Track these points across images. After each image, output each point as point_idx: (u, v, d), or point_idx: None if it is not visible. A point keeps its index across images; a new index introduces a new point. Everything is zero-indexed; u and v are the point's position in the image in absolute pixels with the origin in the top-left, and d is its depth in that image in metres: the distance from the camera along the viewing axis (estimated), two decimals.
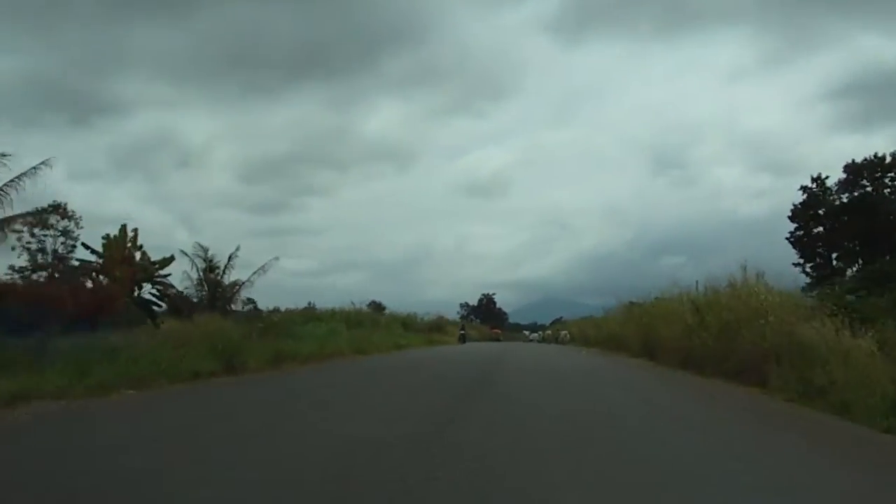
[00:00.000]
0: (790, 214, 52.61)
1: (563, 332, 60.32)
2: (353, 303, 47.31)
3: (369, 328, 42.73)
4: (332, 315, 43.96)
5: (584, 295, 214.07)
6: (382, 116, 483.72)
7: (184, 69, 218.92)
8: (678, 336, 22.26)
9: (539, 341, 67.82)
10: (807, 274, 51.27)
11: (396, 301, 77.60)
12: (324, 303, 46.43)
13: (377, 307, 58.66)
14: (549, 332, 70.81)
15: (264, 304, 36.38)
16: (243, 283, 27.35)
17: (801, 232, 52.37)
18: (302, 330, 33.00)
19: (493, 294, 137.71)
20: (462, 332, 59.32)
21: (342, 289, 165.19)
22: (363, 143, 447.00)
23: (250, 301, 31.23)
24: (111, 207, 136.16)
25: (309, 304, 46.47)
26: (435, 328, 60.35)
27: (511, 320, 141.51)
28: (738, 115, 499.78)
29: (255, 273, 27.45)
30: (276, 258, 28.50)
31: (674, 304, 24.90)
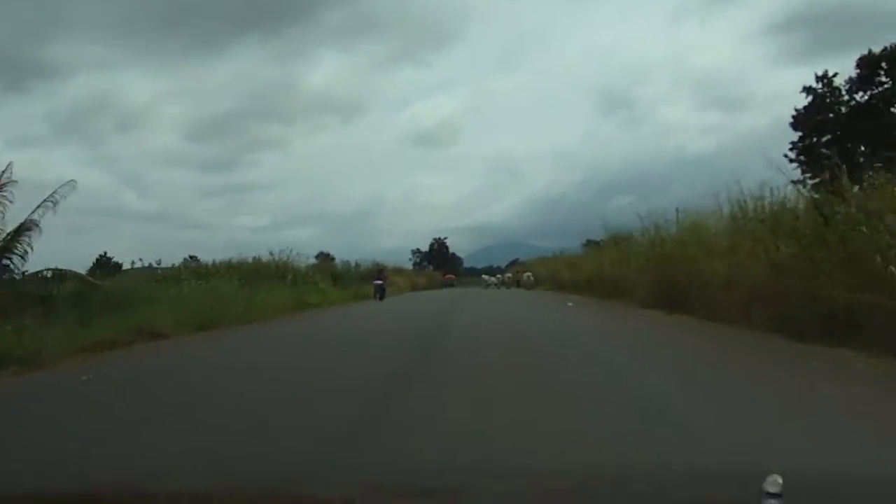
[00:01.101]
0: (792, 121, 43.54)
1: (526, 274, 50.87)
2: (271, 252, 36.49)
3: (281, 283, 32.34)
4: (228, 269, 33.53)
5: (537, 237, 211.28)
6: (326, 68, 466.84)
7: (121, 29, 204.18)
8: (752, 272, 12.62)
9: (498, 286, 58.22)
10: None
11: (351, 253, 71.12)
12: (275, 257, 36.75)
13: (326, 258, 52.80)
14: (508, 274, 61.22)
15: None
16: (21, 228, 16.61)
17: (805, 142, 43.32)
18: (163, 293, 22.90)
19: (445, 238, 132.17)
20: (378, 282, 38.42)
21: (297, 243, 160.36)
22: (309, 96, 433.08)
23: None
24: (53, 173, 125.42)
25: (189, 257, 35.94)
26: (371, 278, 50.15)
27: (466, 265, 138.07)
28: (683, 53, 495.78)
29: (37, 209, 16.72)
30: (72, 181, 17.66)
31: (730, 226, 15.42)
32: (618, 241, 27.94)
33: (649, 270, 20.47)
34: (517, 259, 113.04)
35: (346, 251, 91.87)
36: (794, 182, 16.39)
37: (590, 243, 60.86)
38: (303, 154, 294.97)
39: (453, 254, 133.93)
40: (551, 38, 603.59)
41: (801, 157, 45.52)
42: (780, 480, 1.53)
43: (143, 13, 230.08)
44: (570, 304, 25.96)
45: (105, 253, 50.04)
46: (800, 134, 44.26)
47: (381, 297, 36.21)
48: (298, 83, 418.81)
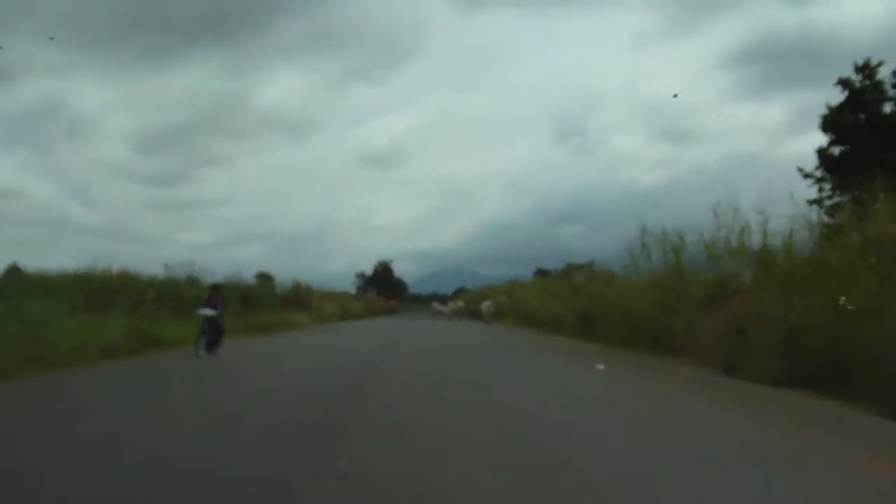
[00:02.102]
0: (822, 123, 35.54)
1: (485, 304, 41.75)
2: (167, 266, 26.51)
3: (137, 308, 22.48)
4: (73, 282, 23.67)
5: (485, 265, 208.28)
6: (279, 84, 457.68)
7: (74, 34, 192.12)
8: None
9: (450, 317, 48.82)
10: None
11: (298, 273, 69.18)
12: (218, 277, 29.89)
13: (266, 278, 46.05)
14: (461, 303, 51.87)
15: None
16: None
17: (837, 148, 35.43)
18: None
19: (390, 262, 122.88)
20: (207, 311, 17.21)
21: (241, 262, 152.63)
22: (261, 111, 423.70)
23: None
24: None
25: (11, 264, 26.13)
26: (293, 301, 40.28)
27: (412, 291, 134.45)
28: (640, 82, 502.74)
29: None
30: None
31: None
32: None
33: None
34: (463, 287, 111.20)
35: (292, 272, 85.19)
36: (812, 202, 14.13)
37: (540, 272, 57.29)
38: (252, 171, 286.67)
39: (398, 279, 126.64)
40: (508, 60, 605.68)
41: (823, 172, 38.02)
42: None
43: (97, 18, 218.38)
44: (600, 366, 14.29)
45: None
46: (828, 138, 36.72)
47: (210, 346, 16.79)
48: (250, 98, 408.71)
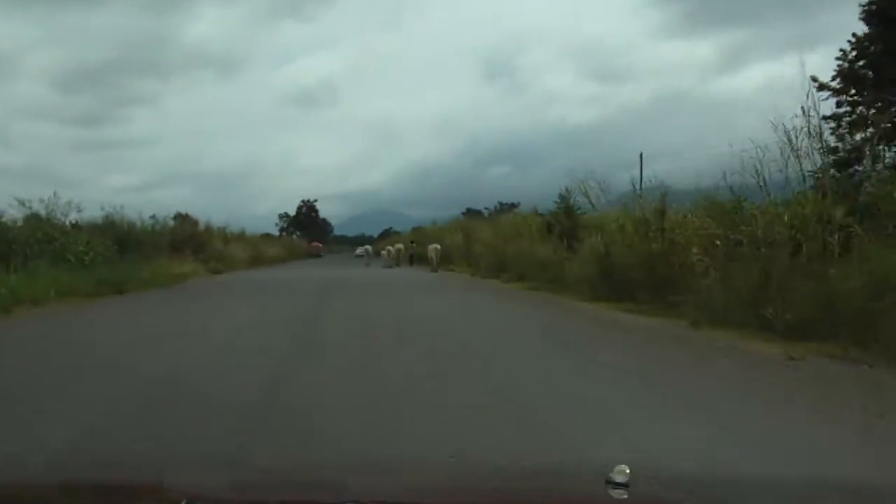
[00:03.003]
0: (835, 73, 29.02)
1: (433, 246, 33.16)
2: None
3: None
4: None
5: (411, 207, 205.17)
6: (205, 20, 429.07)
7: None
8: None
9: (389, 263, 40.27)
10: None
11: (225, 216, 63.93)
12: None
13: (186, 220, 39.44)
14: (399, 245, 43.07)
15: None
16: None
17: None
18: None
19: (315, 201, 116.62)
20: None
21: (168, 204, 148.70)
22: (186, 49, 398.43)
23: None
24: None
25: None
26: (186, 243, 31.15)
27: (337, 232, 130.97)
28: (569, 21, 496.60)
29: None
30: None
31: None
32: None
33: None
34: (389, 229, 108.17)
35: (219, 215, 77.82)
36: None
37: (471, 212, 55.14)
38: (178, 110, 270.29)
39: (324, 220, 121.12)
40: (438, 1, 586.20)
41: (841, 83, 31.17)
42: (627, 470, 1.54)
43: None
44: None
45: None
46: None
47: None
48: (175, 35, 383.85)
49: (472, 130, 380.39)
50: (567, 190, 26.93)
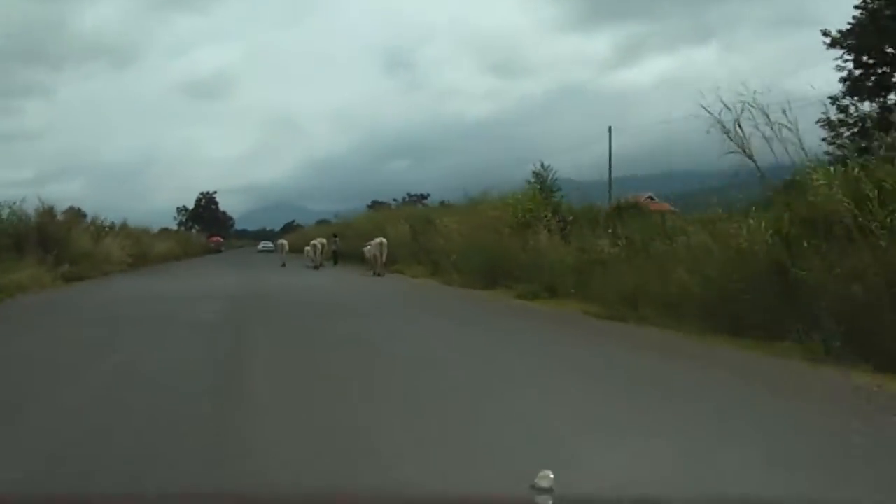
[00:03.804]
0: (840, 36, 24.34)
1: (377, 241, 24.89)
2: None
3: None
4: None
5: (313, 200, 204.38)
6: (99, 9, 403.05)
7: None
8: None
9: (314, 262, 31.78)
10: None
11: (122, 209, 60.28)
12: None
13: (76, 213, 32.86)
14: (321, 240, 34.41)
15: None
16: None
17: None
18: None
19: (214, 193, 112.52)
20: None
21: (62, 198, 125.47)
22: (79, 38, 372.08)
23: None
24: None
25: None
26: (43, 240, 22.21)
27: (238, 226, 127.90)
28: (467, 16, 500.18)
29: None
30: None
31: None
32: None
33: None
34: (293, 222, 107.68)
35: (115, 208, 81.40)
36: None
37: (376, 204, 54.43)
38: (71, 101, 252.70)
39: (224, 213, 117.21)
40: None
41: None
42: (551, 476, 1.57)
43: None
44: None
45: None
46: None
47: None
48: (67, 23, 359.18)
49: (372, 124, 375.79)
50: (543, 167, 20.58)
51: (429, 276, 22.50)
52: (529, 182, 22.18)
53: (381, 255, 24.40)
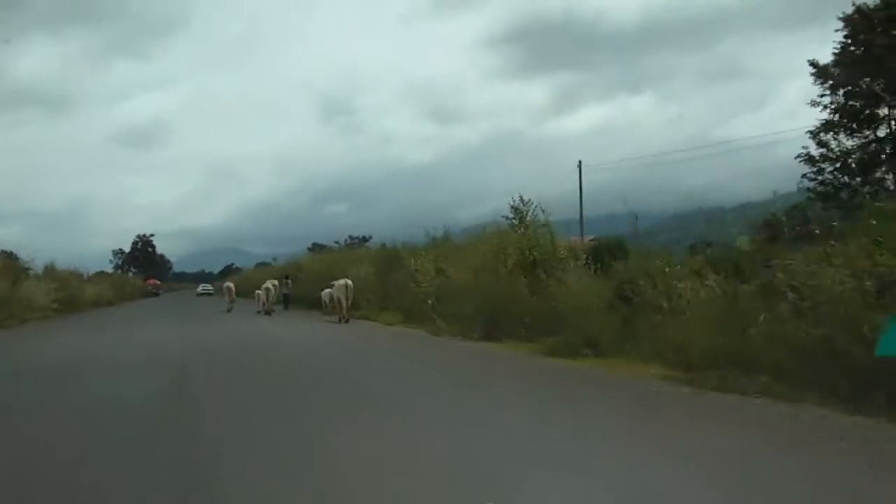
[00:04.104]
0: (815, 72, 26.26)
1: (342, 282, 21.75)
2: None
3: None
4: None
5: (251, 244, 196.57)
6: (36, 55, 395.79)
7: None
8: None
9: (263, 308, 28.17)
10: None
11: (57, 254, 52.52)
12: None
13: (9, 257, 31.54)
14: (273, 282, 30.83)
15: None
16: None
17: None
18: None
19: (151, 236, 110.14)
20: None
21: None
22: (15, 84, 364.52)
23: None
24: None
25: None
26: None
27: (176, 269, 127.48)
28: (407, 62, 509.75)
29: None
30: None
31: None
32: None
33: None
34: (231, 265, 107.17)
35: (50, 254, 68.50)
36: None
37: (315, 247, 55.30)
38: (6, 148, 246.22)
39: (161, 256, 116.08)
40: (276, 40, 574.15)
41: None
42: None
43: None
44: None
45: None
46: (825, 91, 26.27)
47: None
48: (3, 70, 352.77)
49: (311, 169, 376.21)
50: (522, 202, 18.39)
51: (403, 322, 19.72)
52: (507, 218, 20.07)
53: (347, 298, 21.47)
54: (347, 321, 21.14)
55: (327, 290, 24.79)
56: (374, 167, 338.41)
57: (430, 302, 19.29)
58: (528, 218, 20.59)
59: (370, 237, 42.64)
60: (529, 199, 19.93)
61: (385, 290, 23.71)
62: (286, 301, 32.44)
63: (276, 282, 31.15)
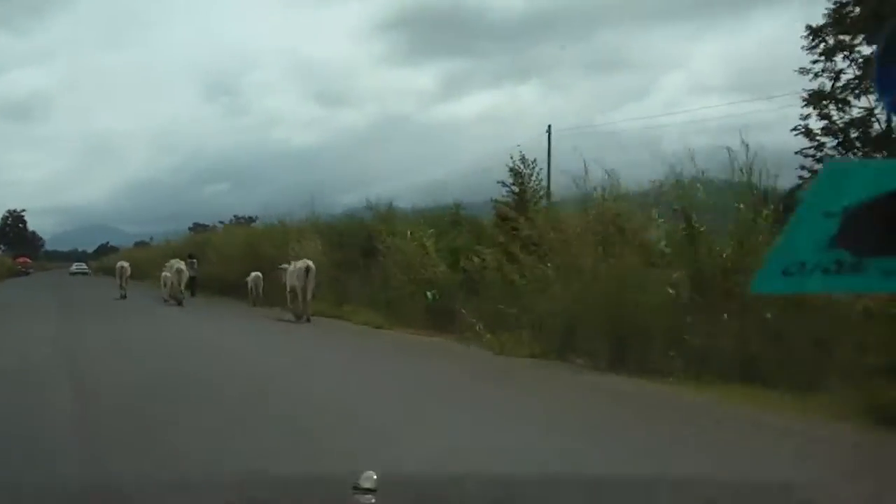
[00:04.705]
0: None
1: (301, 264, 15.50)
2: None
3: None
4: None
5: (129, 223, 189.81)
6: None
7: None
8: None
9: (172, 295, 21.38)
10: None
11: None
12: None
13: None
14: (180, 263, 23.87)
15: None
16: None
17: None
18: None
19: (23, 212, 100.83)
20: None
21: None
22: None
23: None
24: None
25: None
26: None
27: (49, 247, 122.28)
28: (294, 44, 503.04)
29: None
30: None
31: None
32: None
33: None
34: (107, 243, 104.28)
35: None
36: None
37: (196, 227, 54.25)
38: None
39: (33, 233, 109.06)
40: (160, 16, 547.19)
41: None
42: (374, 476, 1.50)
43: None
44: None
45: None
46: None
47: None
48: None
49: (192, 147, 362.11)
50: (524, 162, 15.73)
51: (395, 324, 13.79)
52: (504, 184, 15.77)
53: (308, 287, 15.21)
54: (308, 319, 14.99)
55: (255, 274, 20.55)
56: (258, 148, 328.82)
57: (428, 295, 13.80)
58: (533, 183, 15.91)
59: (256, 217, 38.17)
60: (534, 160, 16.32)
61: (343, 278, 17.67)
62: (192, 286, 25.73)
63: (182, 263, 24.26)
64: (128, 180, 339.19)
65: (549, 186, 26.41)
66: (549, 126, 33.83)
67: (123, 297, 23.78)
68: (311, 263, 15.53)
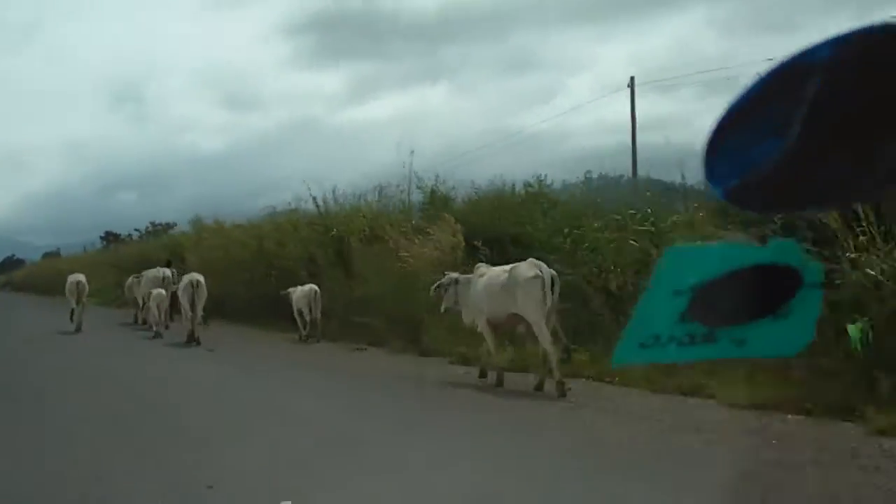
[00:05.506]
0: None
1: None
2: None
3: None
4: None
5: (34, 234, 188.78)
6: None
7: None
8: None
9: (155, 328, 17.07)
10: None
11: None
12: None
13: None
14: (166, 272, 18.60)
15: None
16: None
17: None
18: None
19: None
20: None
21: None
22: None
23: None
24: None
25: None
26: None
27: None
28: (200, 50, 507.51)
29: None
30: None
31: None
32: None
33: None
34: (13, 256, 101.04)
35: None
36: None
37: (109, 236, 50.67)
38: None
39: None
40: (65, 26, 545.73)
41: None
42: None
43: None
44: None
45: None
46: None
47: None
48: None
49: (99, 157, 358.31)
50: None
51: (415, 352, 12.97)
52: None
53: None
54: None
55: (307, 288, 15.29)
56: (166, 155, 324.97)
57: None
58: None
59: (174, 224, 37.02)
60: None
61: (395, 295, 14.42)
62: (171, 308, 18.27)
63: (169, 272, 19.19)
64: (34, 193, 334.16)
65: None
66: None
67: (79, 329, 17.61)
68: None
